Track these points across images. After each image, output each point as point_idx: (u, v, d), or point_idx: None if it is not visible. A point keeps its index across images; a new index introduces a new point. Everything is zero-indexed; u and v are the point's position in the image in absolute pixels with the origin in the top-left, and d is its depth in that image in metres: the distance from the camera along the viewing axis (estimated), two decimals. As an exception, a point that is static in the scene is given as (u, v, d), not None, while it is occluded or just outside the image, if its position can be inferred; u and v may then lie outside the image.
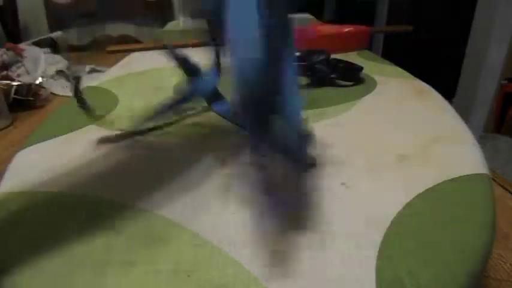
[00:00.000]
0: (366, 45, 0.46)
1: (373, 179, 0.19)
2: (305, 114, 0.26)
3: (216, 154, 0.22)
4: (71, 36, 0.96)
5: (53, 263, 0.14)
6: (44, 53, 0.66)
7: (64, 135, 0.24)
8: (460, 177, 0.18)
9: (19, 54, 0.65)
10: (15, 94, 0.50)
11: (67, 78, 0.63)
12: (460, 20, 1.37)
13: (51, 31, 0.91)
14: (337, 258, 0.14)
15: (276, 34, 0.15)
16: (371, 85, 0.32)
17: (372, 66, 0.38)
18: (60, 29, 0.87)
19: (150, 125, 0.25)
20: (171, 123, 0.26)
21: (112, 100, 0.31)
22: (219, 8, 0.15)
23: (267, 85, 0.14)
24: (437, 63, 1.53)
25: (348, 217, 0.16)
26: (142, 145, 0.23)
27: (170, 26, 0.75)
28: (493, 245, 0.15)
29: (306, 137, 0.16)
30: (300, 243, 0.15)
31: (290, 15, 0.16)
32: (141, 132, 0.24)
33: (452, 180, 0.18)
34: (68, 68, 0.66)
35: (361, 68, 0.34)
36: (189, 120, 0.26)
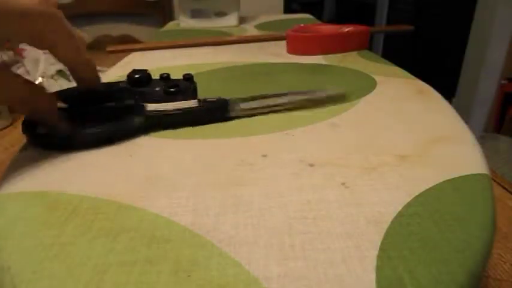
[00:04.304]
0: (366, 45, 0.46)
1: (373, 179, 0.19)
2: (305, 114, 0.26)
3: (216, 153, 0.22)
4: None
5: (53, 263, 0.14)
6: (44, 53, 0.66)
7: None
8: (460, 177, 0.18)
9: (19, 54, 0.65)
10: (15, 94, 0.50)
11: (67, 78, 0.63)
12: (460, 20, 1.37)
13: (51, 31, 0.91)
14: (337, 258, 0.14)
15: None
16: (371, 85, 0.32)
17: (372, 66, 0.38)
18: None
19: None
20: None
21: (112, 100, 0.31)
22: None
23: None
24: (437, 63, 1.53)
25: (348, 217, 0.16)
26: (141, 144, 0.23)
27: (170, 26, 0.75)
28: (493, 245, 0.15)
29: None
30: (300, 243, 0.15)
31: None
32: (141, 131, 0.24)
33: (452, 180, 0.18)
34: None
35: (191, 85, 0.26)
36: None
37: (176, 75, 0.27)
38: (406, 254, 0.14)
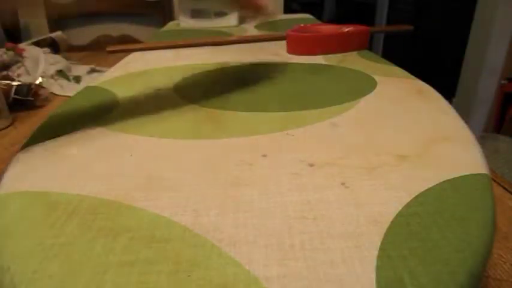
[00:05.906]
0: (366, 45, 0.46)
1: (373, 179, 0.19)
2: (305, 114, 0.26)
3: (216, 153, 0.22)
4: (71, 36, 0.96)
5: (53, 263, 0.14)
6: (44, 53, 0.66)
7: (64, 135, 0.24)
8: (460, 177, 0.18)
9: (19, 54, 0.65)
10: (15, 94, 0.50)
11: (67, 78, 0.63)
12: (460, 20, 1.37)
13: (51, 31, 0.91)
14: (337, 258, 0.14)
15: None
16: (371, 85, 0.32)
17: (372, 66, 0.38)
18: (60, 29, 0.87)
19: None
20: (168, 122, 0.26)
21: (112, 100, 0.31)
22: None
23: None
24: (437, 63, 1.53)
25: (348, 217, 0.16)
26: (141, 144, 0.23)
27: (170, 26, 0.75)
28: (493, 245, 0.15)
29: None
30: (300, 243, 0.15)
31: None
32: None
33: (452, 180, 0.18)
34: (68, 68, 0.66)
35: None
36: (186, 117, 0.26)
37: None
38: (406, 254, 0.14)
